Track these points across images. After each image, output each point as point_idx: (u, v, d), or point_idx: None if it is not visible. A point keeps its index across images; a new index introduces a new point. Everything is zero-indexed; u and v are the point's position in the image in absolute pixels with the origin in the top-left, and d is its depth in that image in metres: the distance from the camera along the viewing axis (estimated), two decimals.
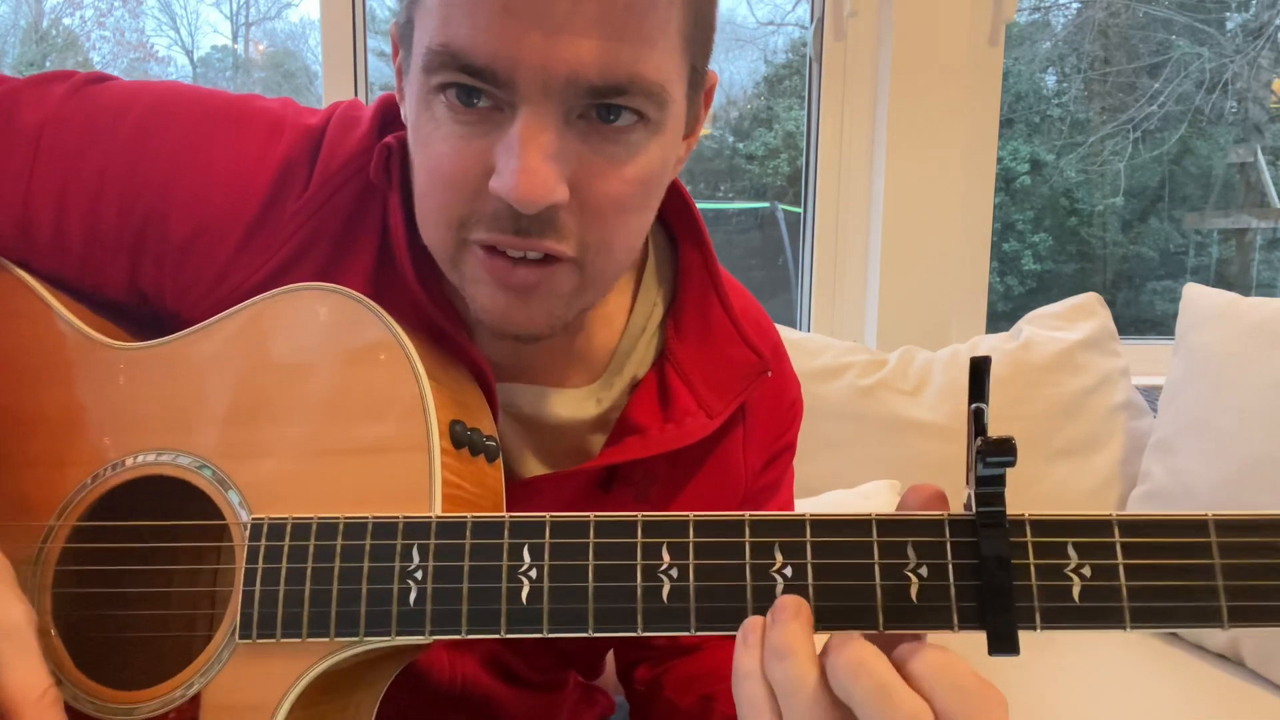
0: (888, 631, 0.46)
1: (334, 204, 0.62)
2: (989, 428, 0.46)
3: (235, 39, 3.09)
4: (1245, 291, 1.43)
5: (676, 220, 0.69)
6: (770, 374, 0.68)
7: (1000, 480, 0.45)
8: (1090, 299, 1.61)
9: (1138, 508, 1.47)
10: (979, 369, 0.47)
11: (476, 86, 0.50)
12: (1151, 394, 1.59)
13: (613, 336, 0.68)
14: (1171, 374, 1.47)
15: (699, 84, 0.58)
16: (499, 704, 0.70)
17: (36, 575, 0.58)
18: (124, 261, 0.63)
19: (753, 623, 0.45)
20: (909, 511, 0.47)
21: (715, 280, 0.68)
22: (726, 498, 0.70)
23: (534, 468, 0.67)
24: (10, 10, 2.71)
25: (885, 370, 1.55)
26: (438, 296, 0.61)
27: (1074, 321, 1.59)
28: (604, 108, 0.51)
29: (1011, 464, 0.44)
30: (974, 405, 0.46)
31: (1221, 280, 3.29)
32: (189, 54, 3.05)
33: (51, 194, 0.62)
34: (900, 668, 0.42)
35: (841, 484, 1.43)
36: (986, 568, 0.46)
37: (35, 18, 2.81)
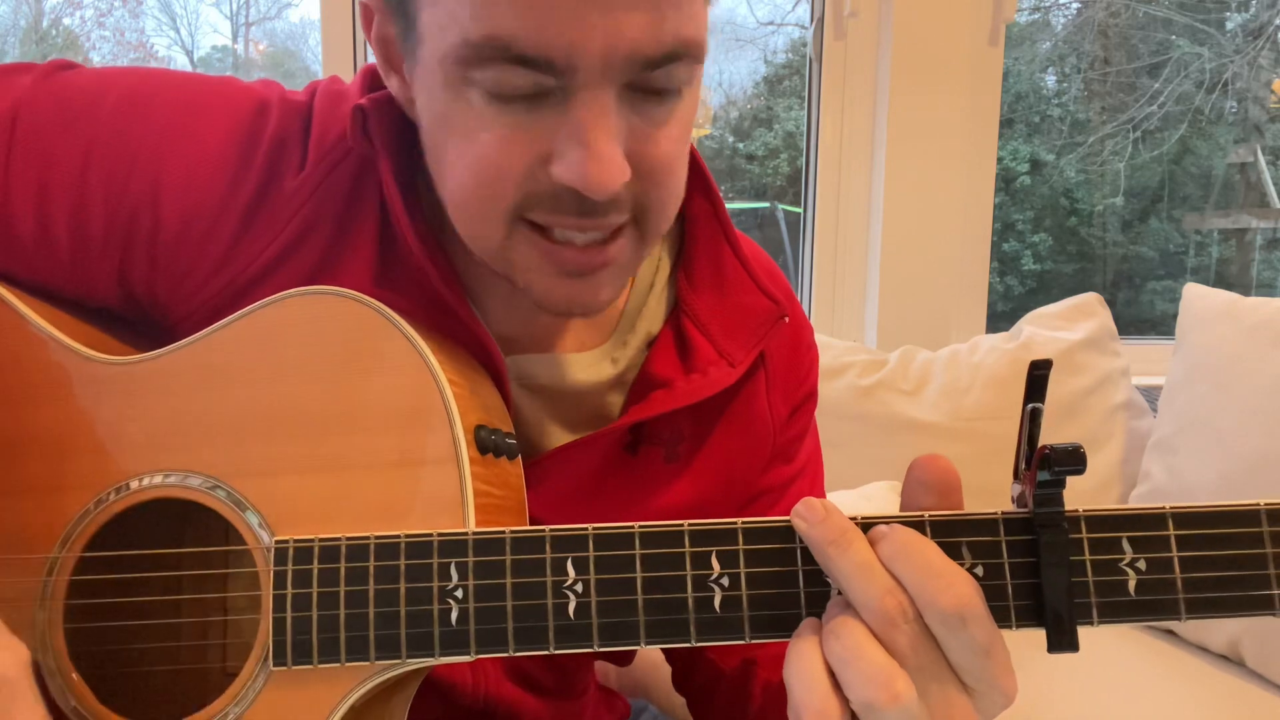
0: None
1: (333, 180, 0.60)
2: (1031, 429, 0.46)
3: (235, 39, 3.09)
4: (1245, 291, 1.43)
5: None
6: (788, 320, 0.67)
7: (1061, 483, 0.45)
8: (1090, 299, 1.61)
9: None
10: (1038, 375, 0.46)
11: (527, 75, 0.49)
12: (1151, 394, 1.59)
13: (621, 295, 0.66)
14: (1171, 374, 1.47)
15: None
16: (522, 714, 0.69)
17: (45, 611, 0.54)
18: (113, 255, 0.59)
19: (808, 620, 0.46)
20: (958, 510, 0.47)
21: (726, 229, 0.67)
22: (756, 449, 0.69)
23: (556, 436, 0.65)
24: (10, 10, 2.71)
25: (885, 370, 1.55)
26: (443, 267, 0.59)
27: (1074, 321, 1.59)
28: (657, 73, 0.50)
29: (1081, 472, 0.44)
30: (1030, 405, 0.46)
31: (1221, 280, 3.29)
32: (189, 54, 3.05)
33: (31, 184, 0.58)
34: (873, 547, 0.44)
35: (842, 484, 1.43)
36: (1045, 566, 0.46)
37: (35, 18, 2.81)
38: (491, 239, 0.54)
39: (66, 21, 2.88)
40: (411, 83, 0.55)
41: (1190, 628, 1.33)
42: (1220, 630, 1.28)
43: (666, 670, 1.09)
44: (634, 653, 0.80)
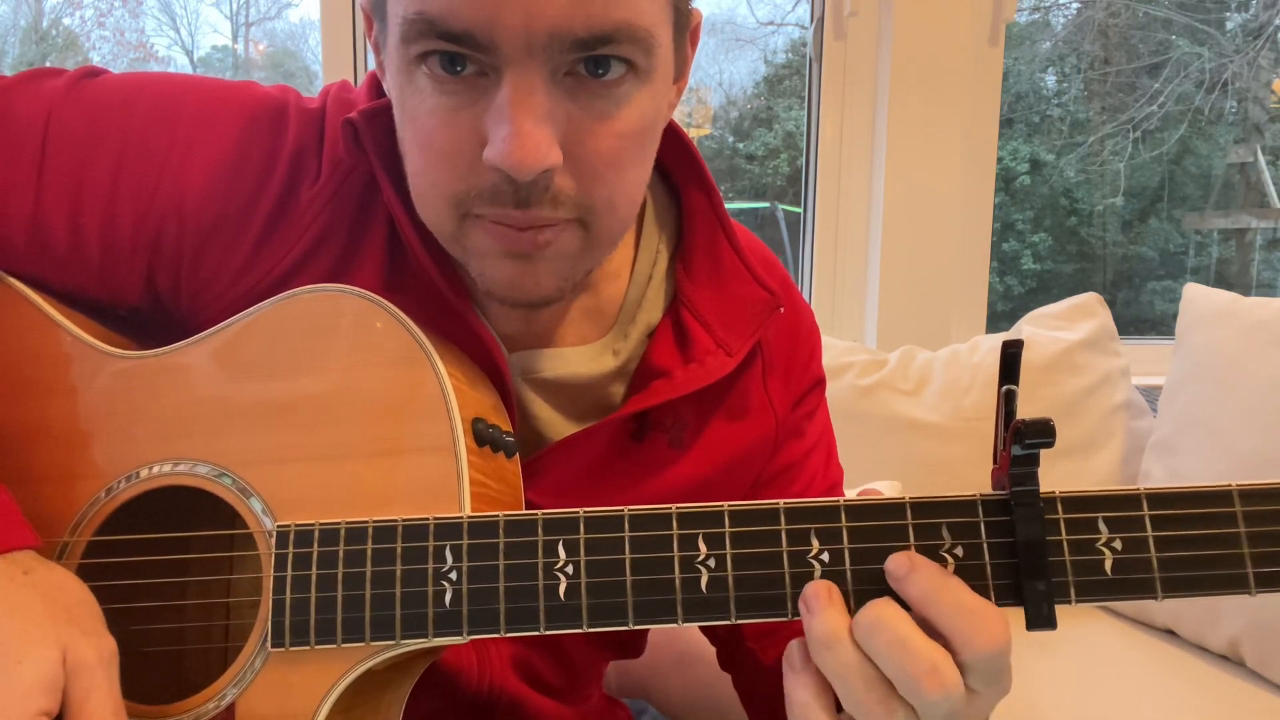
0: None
1: (345, 190, 0.61)
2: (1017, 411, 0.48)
3: (235, 39, 3.09)
4: (1245, 291, 1.43)
5: (674, 163, 0.69)
6: (784, 310, 0.68)
7: (1034, 460, 0.47)
8: (1090, 299, 1.61)
9: None
10: (1011, 353, 0.48)
11: (458, 53, 0.49)
12: (1151, 394, 1.59)
13: (620, 288, 0.67)
14: (1171, 374, 1.47)
15: (684, 24, 0.57)
16: (526, 711, 0.70)
17: None
18: (141, 262, 0.61)
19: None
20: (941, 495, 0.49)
21: (723, 220, 0.67)
22: (756, 435, 0.70)
23: (561, 428, 0.66)
24: (10, 10, 2.71)
25: (885, 370, 1.55)
26: (446, 269, 0.60)
27: (1074, 321, 1.59)
28: (591, 61, 0.50)
29: (1050, 444, 0.45)
30: (1005, 387, 0.48)
31: (1221, 280, 3.29)
32: (189, 54, 3.05)
33: (65, 197, 0.60)
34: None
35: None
36: (1022, 547, 0.47)
37: (35, 18, 2.81)
38: (446, 226, 0.55)
39: (66, 21, 2.88)
40: (386, 75, 0.56)
41: (1190, 628, 1.33)
42: (1220, 630, 1.28)
43: (666, 671, 1.09)
44: (644, 644, 0.80)
